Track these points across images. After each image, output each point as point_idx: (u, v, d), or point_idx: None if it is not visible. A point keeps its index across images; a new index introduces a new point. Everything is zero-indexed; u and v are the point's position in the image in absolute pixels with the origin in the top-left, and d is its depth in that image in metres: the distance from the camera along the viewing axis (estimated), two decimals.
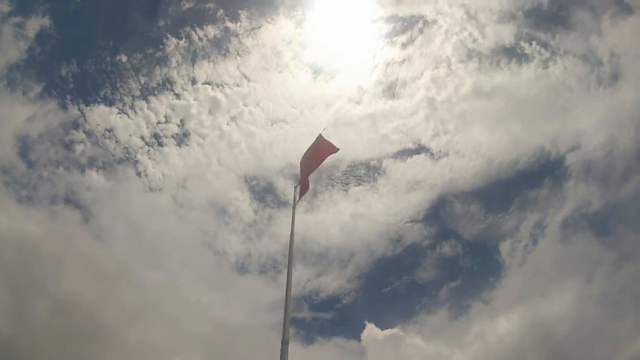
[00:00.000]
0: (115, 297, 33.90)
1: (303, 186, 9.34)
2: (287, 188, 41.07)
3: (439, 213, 46.45)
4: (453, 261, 43.51)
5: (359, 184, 45.17)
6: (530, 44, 40.25)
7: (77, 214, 35.52)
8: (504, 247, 43.05)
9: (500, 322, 43.06)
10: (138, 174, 38.29)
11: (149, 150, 38.74)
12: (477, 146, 42.17)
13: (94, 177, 36.38)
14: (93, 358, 33.24)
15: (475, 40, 41.30)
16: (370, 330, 39.55)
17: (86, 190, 36.09)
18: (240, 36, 41.05)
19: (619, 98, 38.35)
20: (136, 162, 37.89)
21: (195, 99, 41.22)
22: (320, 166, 9.74)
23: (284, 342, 4.19)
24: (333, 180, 43.44)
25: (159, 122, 38.90)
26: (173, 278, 38.42)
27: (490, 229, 43.59)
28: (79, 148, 36.05)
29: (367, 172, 44.73)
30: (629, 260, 43.88)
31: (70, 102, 35.68)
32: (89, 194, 36.21)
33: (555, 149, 41.19)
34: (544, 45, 39.98)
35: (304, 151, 9.86)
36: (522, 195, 48.40)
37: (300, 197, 8.98)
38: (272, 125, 42.95)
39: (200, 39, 40.56)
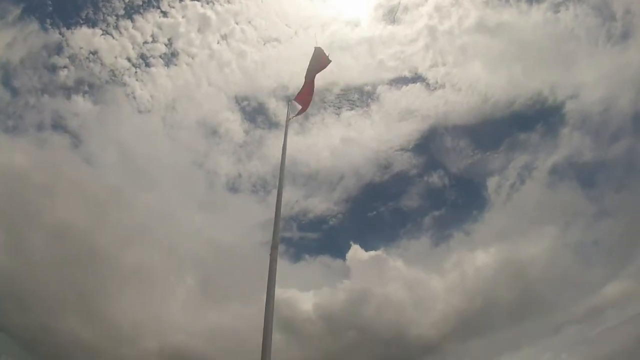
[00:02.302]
0: (108, 221, 34.55)
1: (301, 102, 9.00)
2: (278, 109, 40.41)
3: (429, 144, 46.87)
4: (439, 192, 44.84)
5: (352, 109, 44.57)
6: None
7: (65, 141, 34.87)
8: (491, 183, 44.17)
9: (479, 255, 45.54)
10: (126, 96, 37.14)
11: (136, 72, 37.07)
12: (475, 82, 41.24)
13: (81, 102, 35.18)
14: (90, 283, 34.70)
15: None
16: (355, 251, 41.66)
17: (73, 115, 35.08)
18: None
19: (625, 58, 36.98)
20: (123, 84, 36.50)
21: (183, 17, 38.67)
22: (314, 87, 9.37)
23: (274, 247, 4.26)
24: (325, 103, 42.61)
25: (145, 42, 36.82)
26: (165, 200, 38.99)
27: (478, 165, 44.38)
28: (63, 73, 34.42)
29: (360, 97, 43.86)
30: (606, 216, 45.62)
31: (50, 27, 33.48)
32: (77, 119, 35.26)
33: (553, 96, 40.55)
34: None
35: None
36: (514, 136, 48.61)
37: (297, 114, 8.75)
38: (264, 44, 40.92)
39: None
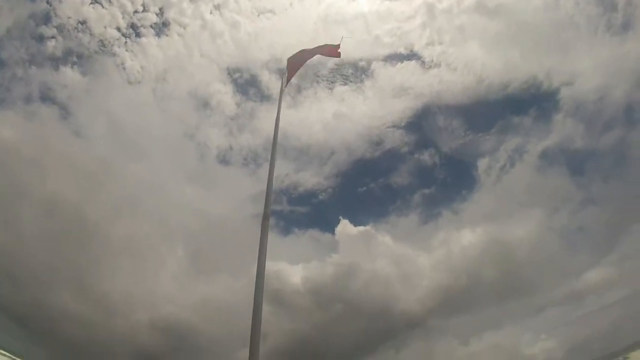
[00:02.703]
0: (98, 194, 34.34)
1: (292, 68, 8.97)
2: (271, 82, 39.90)
3: (421, 122, 46.94)
4: (429, 170, 45.36)
5: (345, 84, 44.20)
6: None
7: (54, 113, 34.14)
8: (482, 164, 44.69)
9: (465, 234, 46.50)
10: (115, 67, 36.22)
11: (126, 42, 36.03)
12: (471, 63, 41.00)
13: (69, 73, 34.25)
14: (81, 256, 34.76)
15: None
16: (344, 226, 42.26)
17: (62, 87, 34.24)
18: None
19: (623, 49, 36.87)
20: (113, 55, 35.54)
21: None
22: (308, 61, 9.34)
23: (265, 217, 4.30)
24: (319, 77, 42.14)
25: (135, 12, 35.66)
26: (156, 172, 38.79)
27: (469, 146, 44.72)
28: (51, 44, 33.38)
29: (354, 72, 43.39)
30: (593, 204, 46.63)
31: None
32: (65, 90, 34.43)
33: (549, 82, 40.55)
34: None
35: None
36: (507, 119, 48.84)
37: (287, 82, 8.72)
38: (258, 15, 39.93)
39: None
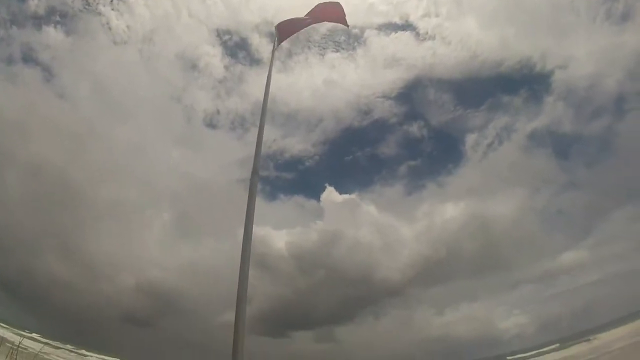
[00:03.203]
0: (83, 157, 33.88)
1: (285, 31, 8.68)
2: (261, 46, 39.00)
3: (411, 94, 47.16)
4: (417, 142, 46.24)
5: (337, 51, 43.64)
6: None
7: (37, 74, 32.89)
8: (470, 139, 45.55)
9: (448, 207, 47.89)
10: (101, 26, 34.69)
11: (112, 1, 34.43)
12: (466, 38, 40.70)
13: (52, 33, 32.83)
14: (66, 221, 34.52)
15: None
16: (330, 193, 43.15)
17: (45, 47, 32.90)
18: None
19: (621, 39, 36.83)
20: (98, 14, 34.08)
21: None
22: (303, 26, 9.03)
23: (254, 172, 4.28)
24: (310, 42, 41.29)
25: None
26: (142, 134, 38.31)
27: (458, 121, 45.30)
28: (33, 2, 31.75)
29: (347, 39, 42.72)
30: (574, 188, 48.05)
31: None
32: (48, 51, 33.14)
33: (543, 64, 40.60)
34: None
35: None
36: (497, 97, 49.24)
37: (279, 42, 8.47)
38: None
39: None
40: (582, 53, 39.12)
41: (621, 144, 40.86)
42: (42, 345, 26.25)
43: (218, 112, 39.85)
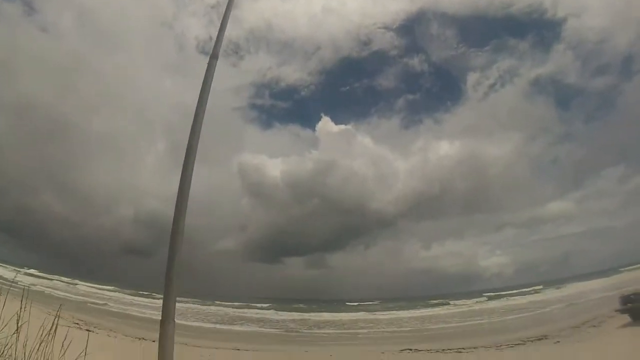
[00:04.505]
0: (73, 90, 33.31)
1: None
2: None
3: (414, 27, 45.53)
4: (417, 76, 45.60)
5: None
6: None
7: (17, 9, 31.34)
8: (471, 78, 44.86)
9: (444, 144, 48.41)
10: None
11: None
12: None
13: None
14: (60, 157, 34.61)
15: None
16: (325, 123, 43.42)
17: None
18: None
19: None
20: None
21: None
22: None
23: (213, 57, 4.29)
24: None
25: None
26: (133, 64, 37.35)
27: (461, 59, 44.32)
28: None
29: None
30: (571, 140, 47.99)
31: None
32: None
33: (554, 10, 38.69)
34: None
35: None
36: (503, 39, 47.63)
37: None
38: None
39: None
40: (597, 5, 37.23)
41: (623, 104, 40.42)
42: (36, 279, 26.86)
43: (211, 39, 38.46)
